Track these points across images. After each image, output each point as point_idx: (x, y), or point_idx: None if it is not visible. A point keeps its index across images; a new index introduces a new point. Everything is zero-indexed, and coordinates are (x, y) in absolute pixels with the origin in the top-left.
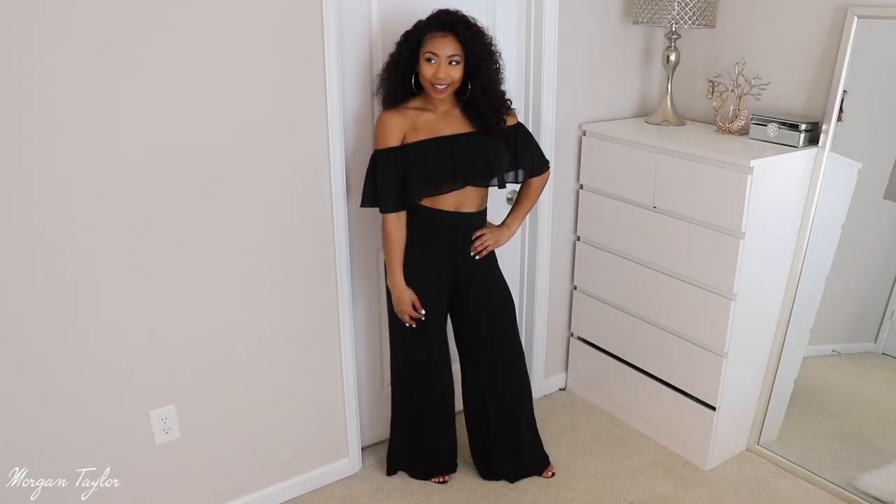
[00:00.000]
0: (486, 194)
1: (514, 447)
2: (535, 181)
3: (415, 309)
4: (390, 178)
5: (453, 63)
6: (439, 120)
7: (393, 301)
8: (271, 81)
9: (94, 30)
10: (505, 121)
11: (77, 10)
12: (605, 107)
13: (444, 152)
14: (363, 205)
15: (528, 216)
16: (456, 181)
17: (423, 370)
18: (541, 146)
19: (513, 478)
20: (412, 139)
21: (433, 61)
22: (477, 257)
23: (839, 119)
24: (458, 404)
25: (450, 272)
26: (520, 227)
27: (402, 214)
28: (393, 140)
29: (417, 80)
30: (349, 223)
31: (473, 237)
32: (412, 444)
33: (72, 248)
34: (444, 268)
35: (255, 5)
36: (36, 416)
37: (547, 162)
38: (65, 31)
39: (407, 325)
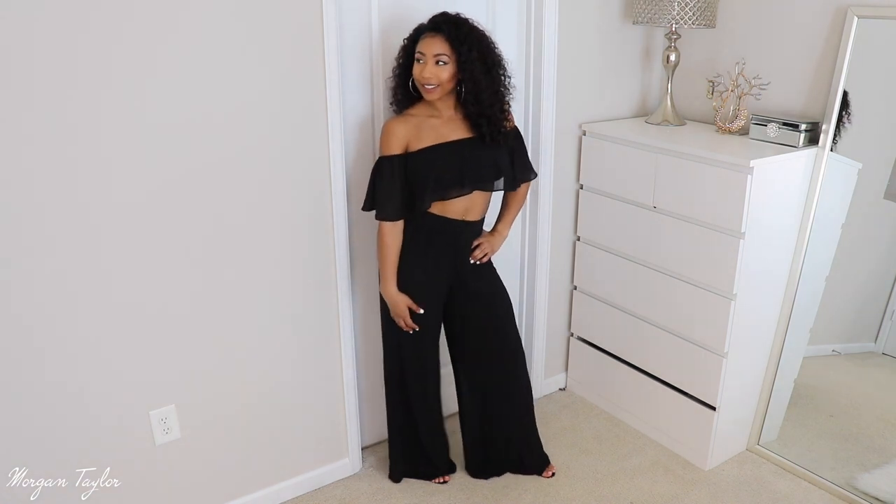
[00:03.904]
0: (489, 201)
1: (514, 447)
2: (520, 190)
3: (412, 313)
4: (392, 186)
5: (440, 63)
6: (444, 125)
7: (389, 308)
8: (271, 86)
9: (94, 31)
10: (503, 129)
11: (74, 11)
12: (605, 107)
13: (452, 157)
14: (364, 208)
15: (520, 218)
16: (465, 185)
17: (417, 375)
18: (541, 146)
19: (498, 472)
20: (417, 146)
21: (421, 61)
22: (478, 263)
23: (848, 121)
24: (451, 406)
25: (449, 278)
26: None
27: (399, 223)
28: (395, 148)
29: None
30: (349, 226)
31: (473, 246)
32: (410, 448)
33: (72, 248)
34: (444, 274)
35: (254, 11)
36: (36, 416)
37: (534, 171)
38: (67, 32)
39: (405, 330)
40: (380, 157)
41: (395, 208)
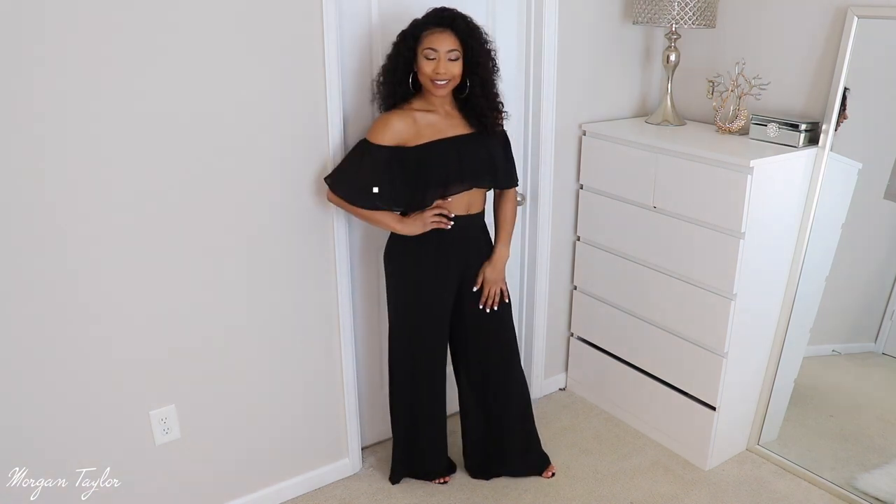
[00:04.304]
0: (486, 193)
1: (514, 446)
2: (510, 204)
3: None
4: (359, 170)
5: (452, 58)
6: (442, 120)
7: (421, 225)
8: (272, 82)
9: (95, 27)
10: (501, 122)
11: (73, 10)
12: (605, 107)
13: (451, 152)
14: (336, 190)
15: (520, 218)
16: (465, 181)
17: (425, 374)
18: (541, 146)
19: (498, 472)
20: (415, 142)
21: (433, 57)
22: (496, 308)
23: (844, 117)
24: (451, 406)
25: (459, 273)
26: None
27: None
28: (386, 139)
29: (415, 80)
30: (349, 223)
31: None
32: (415, 448)
33: (71, 248)
34: (455, 270)
35: (254, 12)
36: (36, 416)
37: (517, 180)
38: (66, 32)
39: (444, 226)
40: (364, 140)
41: (353, 191)
